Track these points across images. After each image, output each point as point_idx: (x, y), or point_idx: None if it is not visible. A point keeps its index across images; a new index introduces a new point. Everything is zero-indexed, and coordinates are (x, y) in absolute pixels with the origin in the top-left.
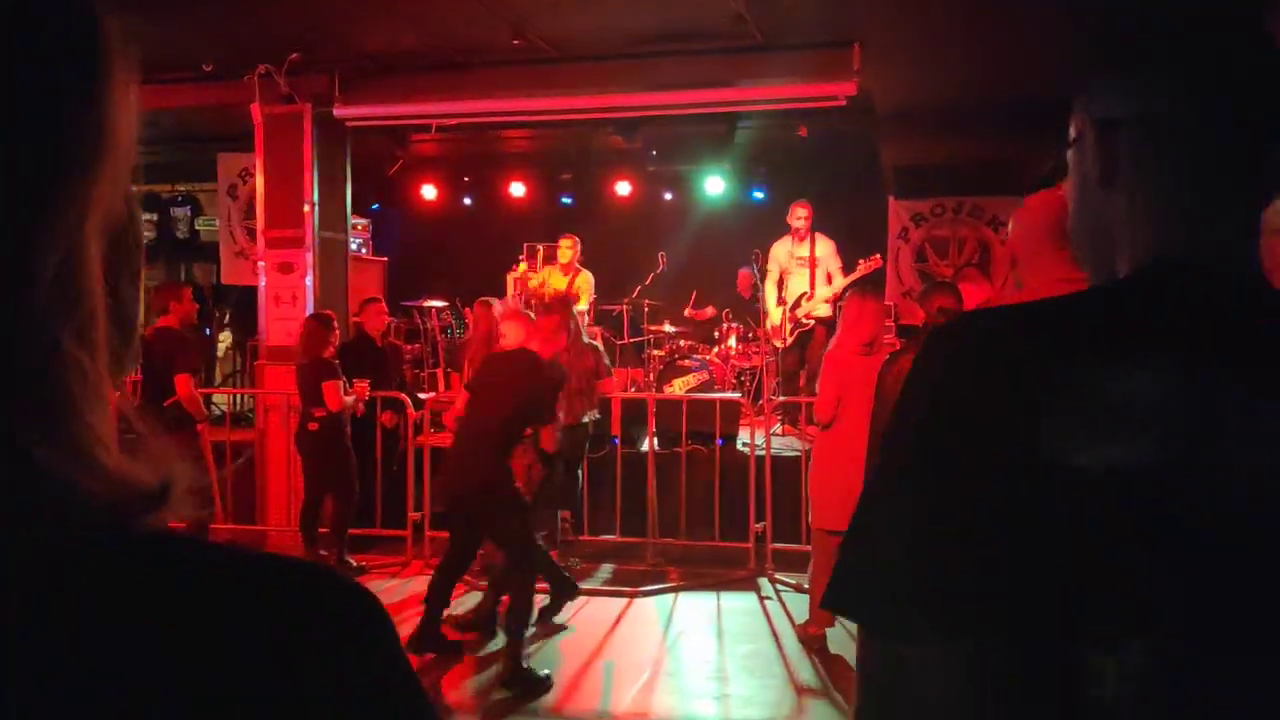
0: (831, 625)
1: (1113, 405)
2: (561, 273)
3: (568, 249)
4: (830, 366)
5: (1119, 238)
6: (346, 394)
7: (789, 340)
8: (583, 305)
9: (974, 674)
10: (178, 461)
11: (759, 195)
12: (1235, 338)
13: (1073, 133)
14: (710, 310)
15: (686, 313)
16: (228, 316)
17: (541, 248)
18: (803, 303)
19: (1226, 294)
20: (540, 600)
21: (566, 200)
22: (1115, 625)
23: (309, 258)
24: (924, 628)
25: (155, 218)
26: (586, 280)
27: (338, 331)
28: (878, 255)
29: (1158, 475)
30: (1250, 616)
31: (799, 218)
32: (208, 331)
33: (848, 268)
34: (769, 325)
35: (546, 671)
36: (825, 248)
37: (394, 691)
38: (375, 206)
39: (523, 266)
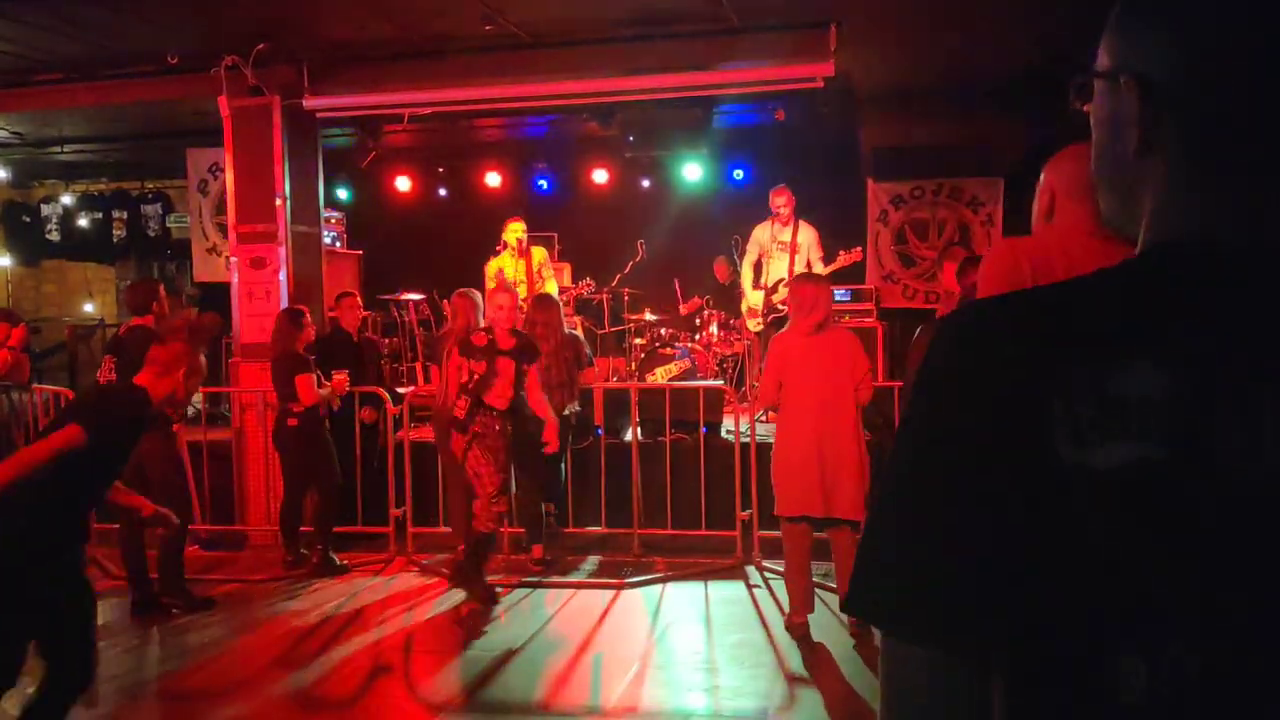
0: (811, 611)
1: (1126, 400)
2: (514, 256)
3: (515, 232)
4: (772, 349)
5: (1149, 208)
6: (321, 387)
7: (765, 323)
8: (551, 287)
9: (994, 678)
10: None
11: (737, 180)
12: (1268, 322)
13: (1098, 85)
14: (697, 300)
15: (682, 310)
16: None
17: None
18: (780, 288)
19: (1268, 276)
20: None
21: (543, 189)
22: (1142, 627)
23: (281, 252)
24: (940, 630)
25: (125, 215)
26: (542, 255)
27: (310, 327)
28: (858, 248)
29: (1177, 471)
30: (1270, 612)
31: (779, 205)
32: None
33: (828, 259)
34: (745, 307)
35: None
36: (808, 236)
37: None
38: (345, 198)
39: (506, 255)
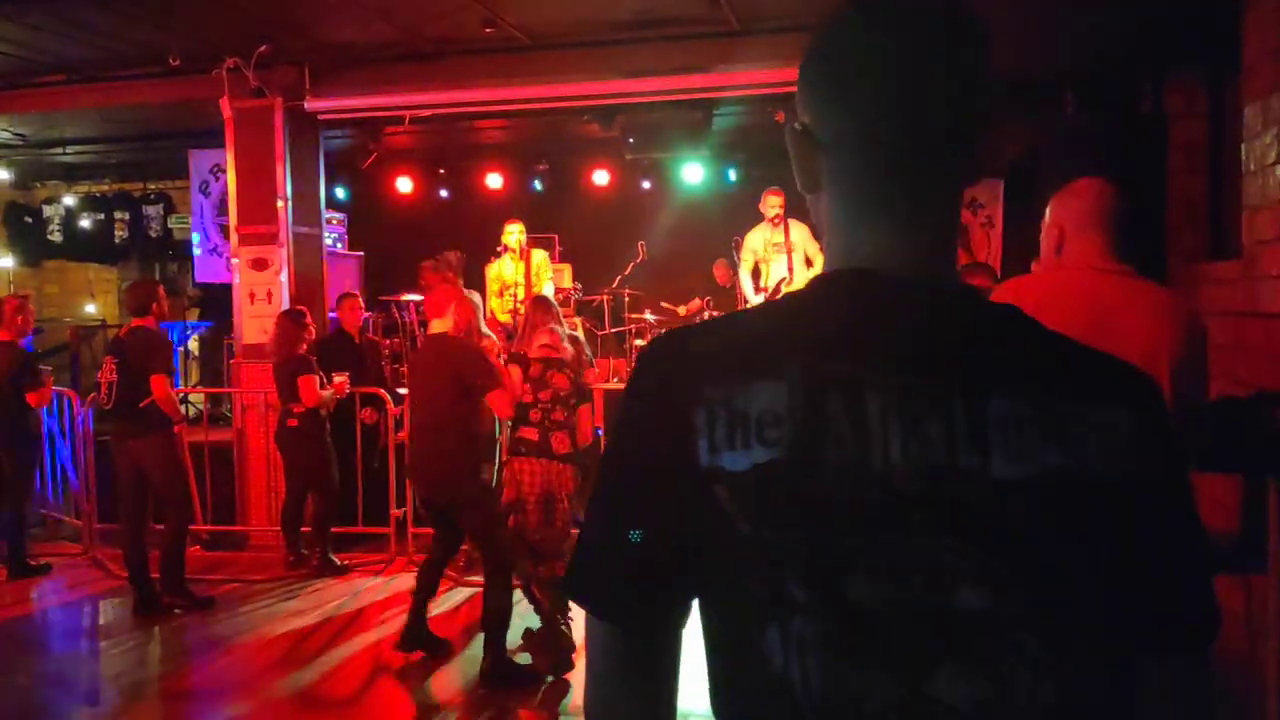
0: None
1: (748, 414)
2: (515, 259)
3: (513, 234)
4: None
5: (824, 239)
6: (323, 389)
7: None
8: (547, 288)
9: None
10: None
11: (736, 182)
12: (876, 343)
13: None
14: (697, 302)
15: (681, 311)
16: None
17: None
18: (782, 288)
19: (891, 302)
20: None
21: (543, 190)
22: (773, 605)
23: (283, 253)
24: (614, 607)
25: (128, 216)
26: (541, 257)
27: (312, 327)
28: None
29: (792, 473)
30: (870, 586)
31: (772, 205)
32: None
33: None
34: None
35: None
36: (801, 232)
37: None
38: (342, 196)
39: (506, 258)
